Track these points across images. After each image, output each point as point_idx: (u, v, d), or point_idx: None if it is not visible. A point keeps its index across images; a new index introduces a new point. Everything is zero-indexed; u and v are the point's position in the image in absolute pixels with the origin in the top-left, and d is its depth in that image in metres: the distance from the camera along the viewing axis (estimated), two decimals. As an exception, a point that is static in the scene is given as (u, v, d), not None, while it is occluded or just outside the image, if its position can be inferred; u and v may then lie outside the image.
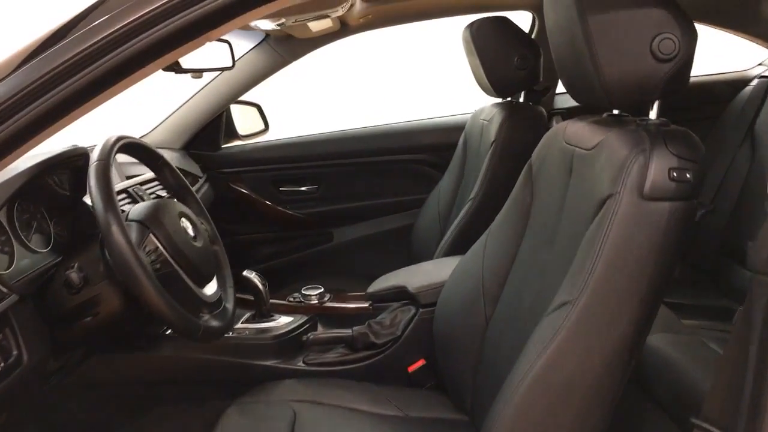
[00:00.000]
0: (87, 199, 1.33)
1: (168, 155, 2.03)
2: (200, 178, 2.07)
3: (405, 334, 1.46)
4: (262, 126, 2.43)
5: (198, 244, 1.13)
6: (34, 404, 1.16)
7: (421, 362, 1.46)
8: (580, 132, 1.07)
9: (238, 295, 1.55)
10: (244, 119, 2.38)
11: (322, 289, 1.64)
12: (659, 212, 0.85)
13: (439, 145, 2.27)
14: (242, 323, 1.55)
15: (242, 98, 2.26)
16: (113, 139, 1.08)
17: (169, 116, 2.18)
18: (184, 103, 2.17)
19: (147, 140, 2.17)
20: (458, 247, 1.68)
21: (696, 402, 1.14)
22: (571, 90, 1.08)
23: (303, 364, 1.47)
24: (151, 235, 1.03)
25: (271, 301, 1.62)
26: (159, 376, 1.43)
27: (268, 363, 1.46)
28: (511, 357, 1.00)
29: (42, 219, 1.22)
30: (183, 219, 1.13)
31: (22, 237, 1.11)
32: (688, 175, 0.85)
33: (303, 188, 2.34)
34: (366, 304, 1.59)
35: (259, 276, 1.53)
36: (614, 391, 0.90)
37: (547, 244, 1.12)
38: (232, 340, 1.47)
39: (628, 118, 1.02)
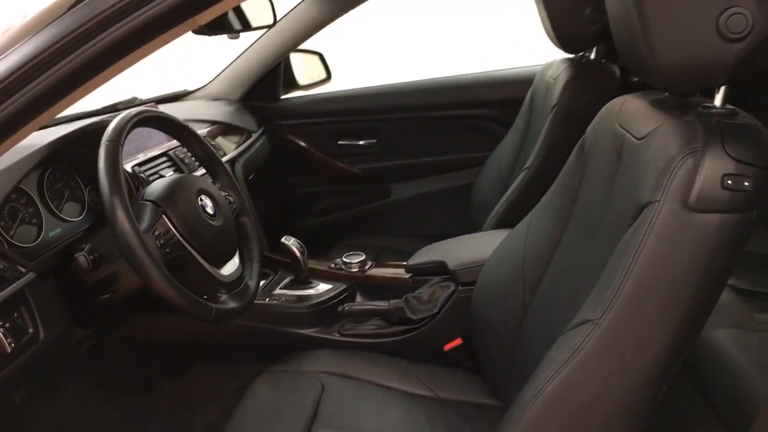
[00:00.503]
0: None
1: (224, 107, 2.03)
2: (254, 132, 2.05)
3: (442, 311, 1.40)
4: (324, 74, 2.36)
5: (216, 222, 1.10)
6: (64, 370, 1.22)
7: (457, 341, 1.39)
8: (635, 114, 0.93)
9: (279, 258, 1.54)
10: (304, 68, 2.32)
11: (364, 257, 1.59)
12: (706, 226, 0.72)
13: (507, 100, 2.11)
14: (281, 289, 1.55)
15: (302, 46, 2.18)
16: (129, 115, 1.05)
17: (227, 67, 2.16)
18: (242, 54, 2.13)
19: (205, 92, 2.16)
20: (508, 220, 1.57)
21: (754, 414, 1.02)
22: (629, 67, 0.93)
23: (338, 335, 1.45)
24: (163, 215, 1.01)
25: (312, 266, 1.60)
26: (195, 338, 1.46)
27: (303, 331, 1.46)
28: (542, 355, 0.92)
29: (76, 187, 1.24)
30: (202, 197, 1.10)
31: (52, 206, 1.13)
32: (746, 183, 0.71)
33: (361, 142, 2.27)
34: (406, 276, 1.53)
35: (298, 243, 1.51)
36: (640, 418, 0.80)
37: (589, 238, 1.00)
38: (270, 307, 1.46)
39: (691, 101, 0.87)
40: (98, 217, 1.27)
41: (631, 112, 0.94)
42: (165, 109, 1.94)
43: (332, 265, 1.61)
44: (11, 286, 0.94)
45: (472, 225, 1.99)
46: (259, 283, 1.23)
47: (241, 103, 2.17)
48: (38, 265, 1.01)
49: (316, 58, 2.34)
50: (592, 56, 1.61)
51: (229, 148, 1.79)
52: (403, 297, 1.44)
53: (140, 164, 1.37)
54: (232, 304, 1.08)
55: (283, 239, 1.51)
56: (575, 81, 1.53)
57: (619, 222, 0.86)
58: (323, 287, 1.53)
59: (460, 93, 2.20)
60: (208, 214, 1.09)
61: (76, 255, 1.01)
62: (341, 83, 2.38)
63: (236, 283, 1.12)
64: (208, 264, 1.06)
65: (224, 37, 1.66)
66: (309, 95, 2.30)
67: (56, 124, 1.60)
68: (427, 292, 1.44)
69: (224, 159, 1.70)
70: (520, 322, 1.18)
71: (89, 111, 1.76)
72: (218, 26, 1.51)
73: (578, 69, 1.57)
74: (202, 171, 1.45)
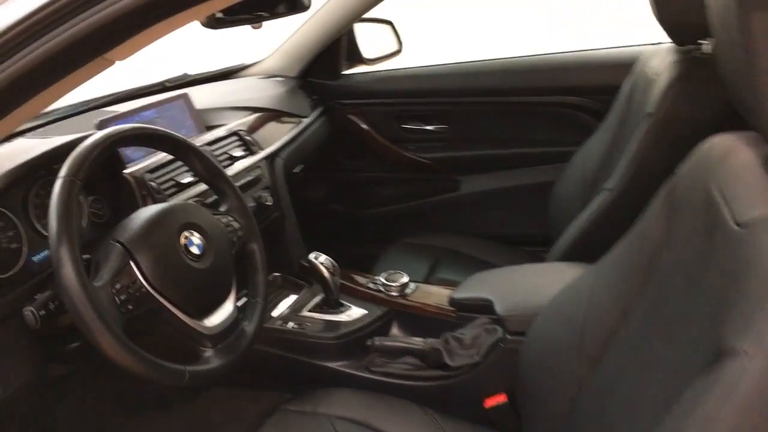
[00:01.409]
0: (129, 170, 1.20)
1: (278, 88, 1.84)
2: (305, 117, 1.85)
3: (486, 360, 1.18)
4: (395, 46, 2.11)
5: (203, 264, 0.93)
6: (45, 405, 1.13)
7: (501, 398, 1.18)
8: (741, 177, 0.65)
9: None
10: (371, 40, 2.08)
11: (407, 280, 1.39)
12: None
13: (601, 86, 1.77)
14: (310, 310, 1.38)
15: (369, 15, 1.94)
16: (97, 141, 0.88)
17: (286, 41, 1.96)
18: (302, 25, 1.93)
19: (261, 68, 1.99)
20: (579, 250, 1.31)
21: None
22: (735, 105, 0.65)
23: (365, 371, 1.27)
24: (130, 263, 0.85)
25: (348, 283, 1.42)
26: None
27: (328, 364, 1.29)
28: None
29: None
30: (187, 232, 0.93)
31: (38, 226, 1.00)
32: None
33: (429, 127, 2.02)
34: (449, 308, 1.31)
35: (329, 261, 1.32)
36: None
37: (660, 334, 0.74)
38: (292, 334, 1.31)
39: None
40: (101, 231, 1.14)
41: (736, 172, 0.66)
42: (213, 88, 1.81)
43: (371, 285, 1.42)
44: None
45: (547, 232, 1.71)
46: (262, 324, 1.06)
47: (299, 81, 1.98)
48: (6, 303, 0.89)
49: (385, 28, 2.09)
50: (706, 48, 1.25)
51: (272, 139, 1.62)
52: (442, 336, 1.23)
53: (152, 170, 1.22)
54: (216, 362, 0.92)
55: (311, 256, 1.33)
56: (680, 84, 1.20)
57: (694, 345, 0.60)
58: (356, 312, 1.35)
59: (546, 76, 1.88)
60: (193, 254, 0.92)
61: (23, 310, 0.88)
62: (410, 60, 2.12)
63: (226, 332, 0.96)
64: (188, 316, 0.90)
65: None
66: (373, 71, 2.07)
67: (91, 108, 1.50)
68: (470, 334, 1.22)
69: (263, 154, 1.54)
70: (574, 401, 0.94)
71: (134, 89, 1.64)
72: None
73: (687, 67, 1.22)
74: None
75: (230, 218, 1.06)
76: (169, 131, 1.00)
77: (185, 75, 1.87)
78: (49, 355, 0.96)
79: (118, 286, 0.83)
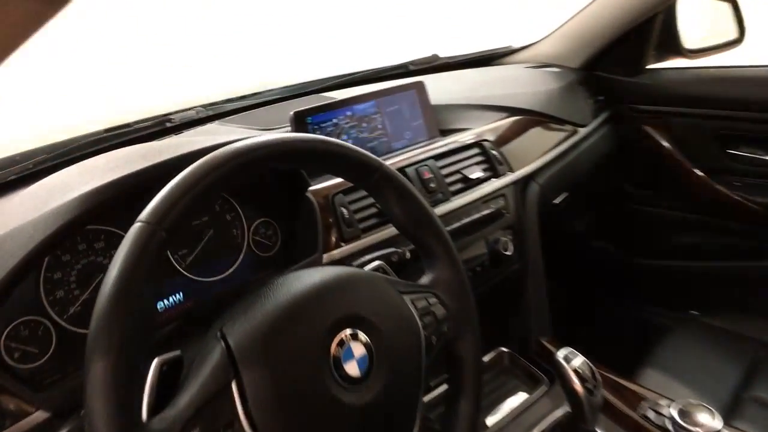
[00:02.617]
0: (315, 187, 0.84)
1: (549, 83, 1.35)
2: (580, 126, 1.32)
3: None
4: (733, 34, 1.45)
5: (362, 395, 0.50)
6: None
7: None
8: None
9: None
10: (699, 23, 1.45)
11: (718, 426, 0.82)
12: None
13: None
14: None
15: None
16: (214, 162, 0.50)
17: (568, 20, 1.45)
18: (592, 1, 1.40)
19: (532, 53, 1.51)
20: None
21: None
22: None
23: None
24: (233, 386, 0.47)
25: (609, 397, 0.90)
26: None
27: None
28: None
29: (228, 226, 0.79)
30: (343, 334, 0.51)
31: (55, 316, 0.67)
32: None
33: (770, 157, 1.33)
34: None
35: (586, 365, 0.82)
36: None
37: None
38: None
39: None
40: (264, 268, 0.81)
41: None
42: (460, 77, 1.38)
43: (650, 415, 0.87)
44: None
45: None
46: None
47: (581, 74, 1.45)
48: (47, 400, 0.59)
49: (723, 7, 1.44)
50: None
51: (529, 155, 1.14)
52: None
53: (348, 190, 0.86)
54: None
55: (561, 353, 0.84)
56: None
57: None
58: (516, 400, 0.85)
59: None
60: (347, 377, 0.51)
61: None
62: (754, 54, 1.43)
63: None
64: None
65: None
66: (694, 68, 1.43)
67: (306, 93, 1.20)
68: None
69: (512, 177, 1.07)
70: None
71: (367, 72, 1.30)
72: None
73: None
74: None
75: (432, 300, 0.62)
76: (345, 145, 0.59)
77: (434, 56, 1.48)
78: None
79: (200, 426, 0.46)
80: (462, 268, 0.65)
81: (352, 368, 0.52)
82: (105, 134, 0.95)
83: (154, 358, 0.49)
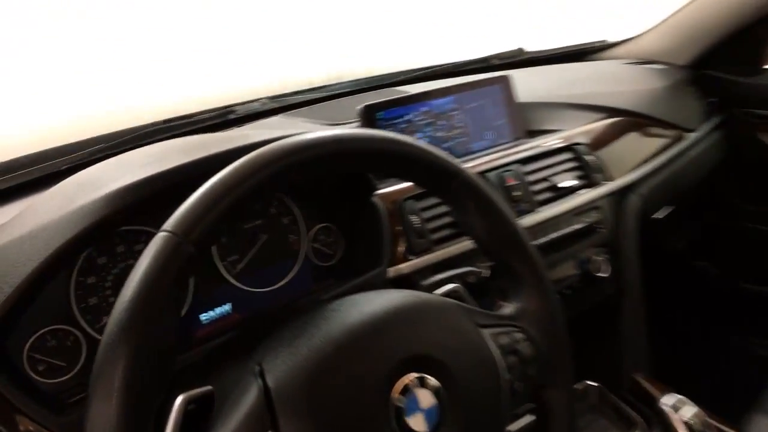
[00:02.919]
0: (383, 191, 0.74)
1: (651, 81, 1.20)
2: (688, 132, 1.16)
3: None
4: None
5: None
6: None
7: None
8: None
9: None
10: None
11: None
12: None
13: None
14: None
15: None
16: (250, 166, 0.40)
17: (676, 13, 1.28)
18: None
19: (631, 48, 1.36)
20: None
21: None
22: None
23: None
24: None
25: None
26: None
27: None
28: None
29: (281, 228, 0.70)
30: (408, 379, 0.41)
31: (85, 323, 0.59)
32: None
33: None
34: None
35: (699, 419, 0.68)
36: None
37: None
38: None
39: None
40: (323, 279, 0.72)
41: None
42: (551, 72, 1.25)
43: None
44: None
45: None
46: None
47: (689, 73, 1.28)
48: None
49: None
50: None
51: (628, 162, 1.00)
52: None
53: (419, 195, 0.76)
54: None
55: (667, 400, 0.70)
56: None
57: None
58: None
59: None
60: (411, 430, 0.41)
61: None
62: None
63: None
64: None
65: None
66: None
67: (380, 86, 1.11)
68: None
69: (610, 186, 0.93)
70: None
71: (447, 65, 1.20)
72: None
73: None
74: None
75: (518, 335, 0.51)
76: (418, 145, 0.49)
77: (520, 50, 1.35)
78: None
79: None
80: (555, 297, 0.54)
81: (417, 423, 0.42)
82: (163, 125, 0.89)
83: (179, 393, 0.41)
